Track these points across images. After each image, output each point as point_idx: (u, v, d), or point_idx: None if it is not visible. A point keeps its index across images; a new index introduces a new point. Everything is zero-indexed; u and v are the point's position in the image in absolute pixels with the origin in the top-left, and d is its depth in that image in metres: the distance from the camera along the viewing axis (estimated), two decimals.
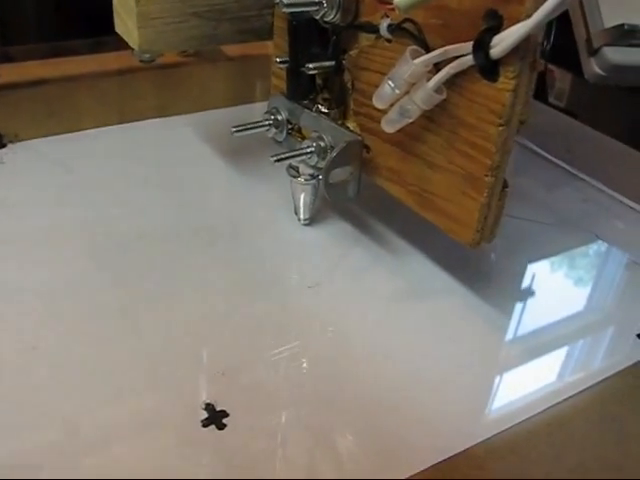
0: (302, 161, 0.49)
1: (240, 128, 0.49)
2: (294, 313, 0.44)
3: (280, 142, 0.51)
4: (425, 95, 0.40)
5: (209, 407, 0.37)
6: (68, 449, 0.34)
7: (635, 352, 0.44)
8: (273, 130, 0.51)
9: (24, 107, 0.67)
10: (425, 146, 0.43)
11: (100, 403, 0.37)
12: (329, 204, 0.53)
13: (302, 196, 0.51)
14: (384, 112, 0.43)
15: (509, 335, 0.46)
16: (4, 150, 0.59)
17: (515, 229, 0.56)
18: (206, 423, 0.36)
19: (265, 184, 0.56)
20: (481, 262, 0.52)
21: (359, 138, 0.46)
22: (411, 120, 0.41)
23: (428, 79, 0.40)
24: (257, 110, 0.62)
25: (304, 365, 0.41)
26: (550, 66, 0.98)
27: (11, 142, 0.60)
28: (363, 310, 0.45)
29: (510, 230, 0.55)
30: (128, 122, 0.65)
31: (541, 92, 0.88)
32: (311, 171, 0.49)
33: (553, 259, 0.54)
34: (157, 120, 0.66)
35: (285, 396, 0.39)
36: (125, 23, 0.51)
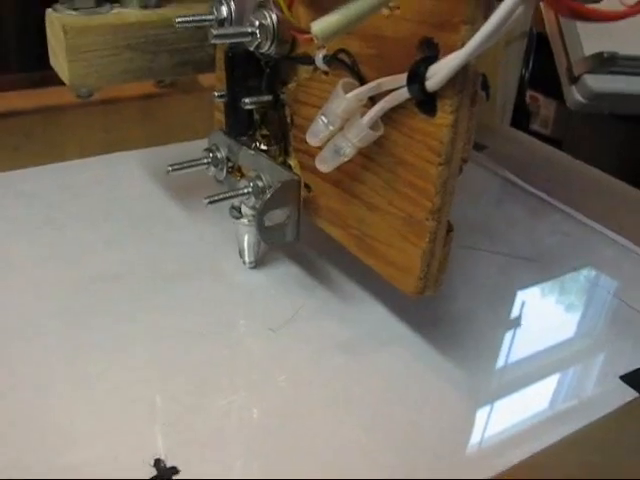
0: (241, 202, 0.45)
1: (176, 167, 0.46)
2: (243, 361, 0.42)
3: (221, 181, 0.48)
4: (360, 132, 0.37)
5: (158, 463, 0.34)
6: None
7: (617, 396, 0.41)
8: (212, 168, 0.47)
9: None
10: (365, 186, 0.40)
11: (47, 454, 0.34)
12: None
13: (246, 238, 0.48)
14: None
15: (483, 377, 0.43)
16: None
17: (491, 264, 0.53)
18: None
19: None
20: (448, 303, 0.48)
21: (296, 178, 0.43)
22: (347, 159, 0.38)
23: (363, 114, 0.36)
24: None
25: (255, 416, 0.38)
26: (533, 93, 0.96)
27: None
28: (313, 358, 0.42)
29: (485, 265, 0.53)
30: (108, 153, 0.64)
31: (520, 121, 0.85)
32: (253, 212, 0.46)
33: (531, 295, 0.51)
34: (135, 152, 0.65)
35: (237, 448, 0.36)
36: (57, 57, 0.48)
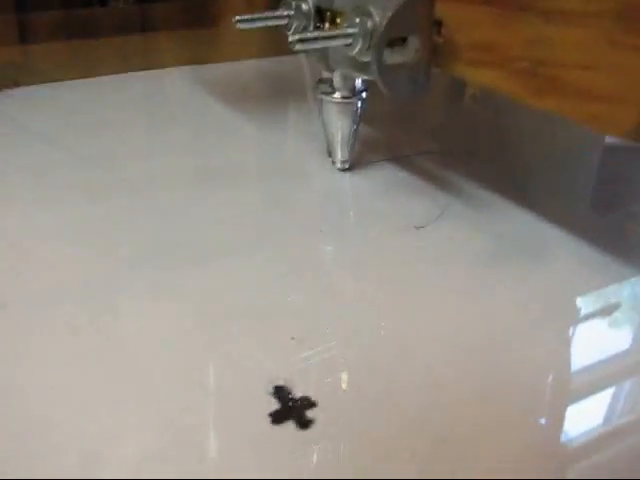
0: (337, 68, 0.32)
1: (246, 18, 0.33)
2: (370, 259, 0.33)
3: (307, 51, 0.35)
4: None
5: (280, 391, 0.25)
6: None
7: None
8: (294, 27, 0.34)
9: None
10: None
11: (172, 381, 0.27)
12: (370, 146, 0.38)
13: (339, 125, 0.34)
14: None
15: None
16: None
17: None
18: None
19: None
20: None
21: None
22: None
23: None
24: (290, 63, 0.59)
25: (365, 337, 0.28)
26: None
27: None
28: (440, 265, 0.33)
29: None
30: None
31: None
32: (349, 89, 0.32)
33: None
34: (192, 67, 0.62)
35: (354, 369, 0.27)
36: None
